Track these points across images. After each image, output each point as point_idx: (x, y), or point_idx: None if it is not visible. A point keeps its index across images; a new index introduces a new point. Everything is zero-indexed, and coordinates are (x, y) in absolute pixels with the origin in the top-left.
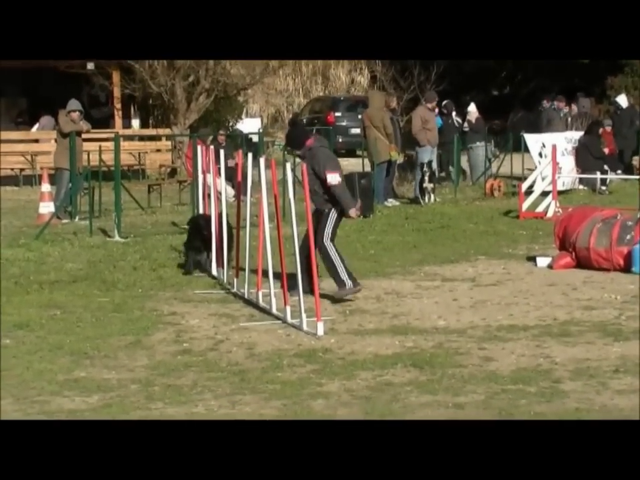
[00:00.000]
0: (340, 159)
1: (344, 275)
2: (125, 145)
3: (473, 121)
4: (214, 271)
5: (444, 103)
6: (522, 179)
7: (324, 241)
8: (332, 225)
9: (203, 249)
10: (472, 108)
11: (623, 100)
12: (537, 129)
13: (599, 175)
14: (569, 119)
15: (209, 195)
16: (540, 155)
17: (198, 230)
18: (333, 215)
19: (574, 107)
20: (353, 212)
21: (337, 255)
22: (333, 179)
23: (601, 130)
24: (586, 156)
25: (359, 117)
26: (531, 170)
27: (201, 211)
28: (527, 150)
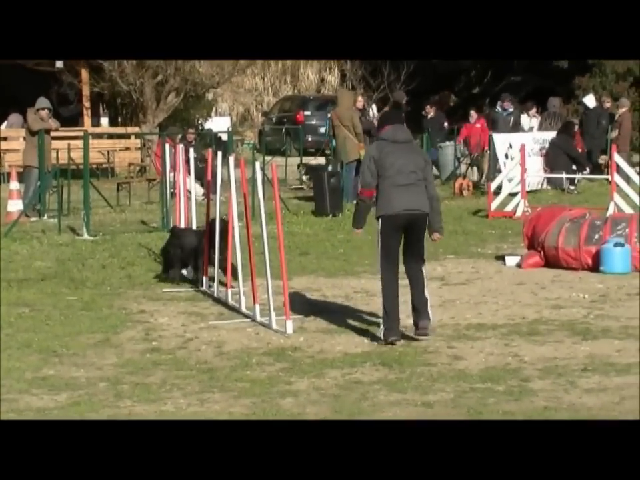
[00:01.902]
0: (309, 158)
1: (384, 317)
2: (93, 143)
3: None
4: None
5: None
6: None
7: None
8: (379, 241)
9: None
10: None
11: (590, 100)
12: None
13: (564, 175)
14: (514, 118)
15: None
16: (506, 156)
17: (178, 245)
18: (378, 227)
19: (533, 109)
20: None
21: (384, 289)
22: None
23: (575, 130)
24: (557, 156)
25: (329, 115)
26: None
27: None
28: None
